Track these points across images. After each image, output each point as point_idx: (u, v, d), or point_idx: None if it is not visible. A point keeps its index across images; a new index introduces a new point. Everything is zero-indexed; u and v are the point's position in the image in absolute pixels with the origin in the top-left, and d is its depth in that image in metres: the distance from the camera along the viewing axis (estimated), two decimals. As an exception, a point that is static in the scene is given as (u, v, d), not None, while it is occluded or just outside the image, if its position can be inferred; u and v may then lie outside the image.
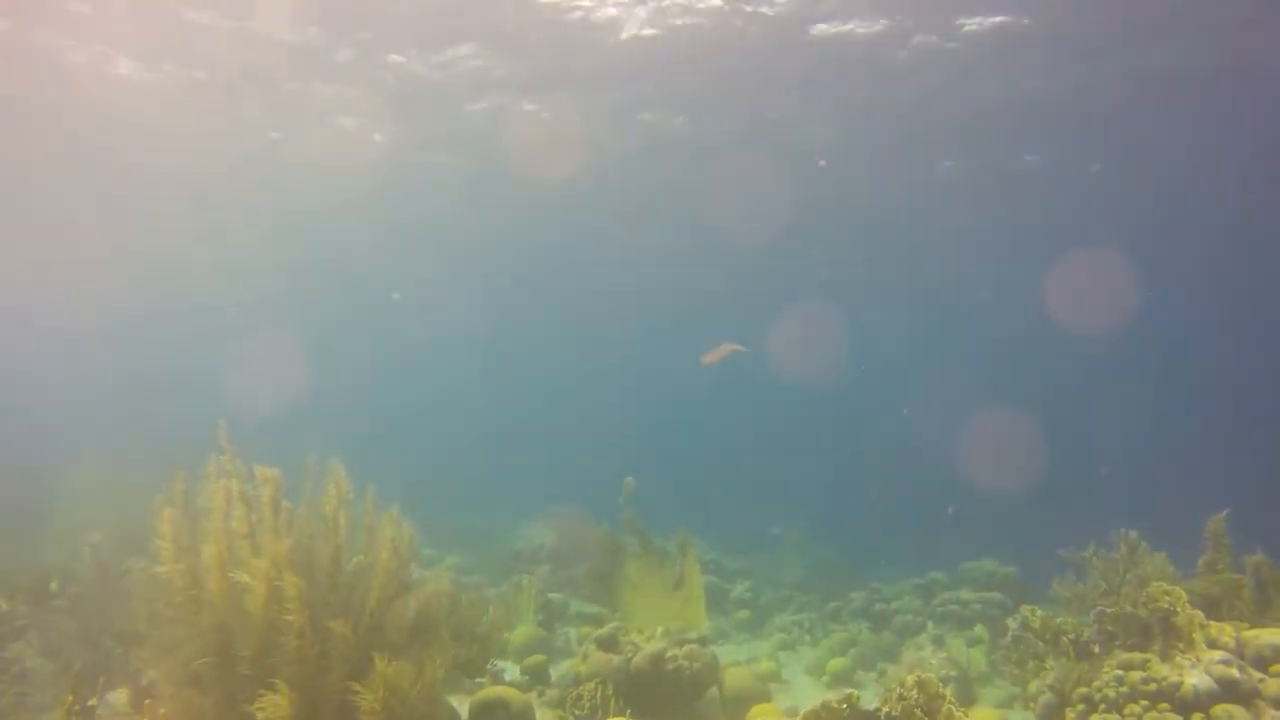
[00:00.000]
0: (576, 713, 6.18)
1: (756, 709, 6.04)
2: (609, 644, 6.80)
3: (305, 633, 4.29)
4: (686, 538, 7.98)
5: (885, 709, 4.21)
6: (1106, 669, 5.09)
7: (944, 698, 4.15)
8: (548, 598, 10.12)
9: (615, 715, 5.95)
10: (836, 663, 8.37)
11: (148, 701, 4.46)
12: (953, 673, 6.77)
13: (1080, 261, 20.67)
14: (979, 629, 9.96)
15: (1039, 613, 5.93)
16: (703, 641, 6.90)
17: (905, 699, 4.18)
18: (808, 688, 8.11)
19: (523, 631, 9.01)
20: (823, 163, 16.49)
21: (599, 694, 6.18)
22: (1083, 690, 5.09)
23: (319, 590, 4.71)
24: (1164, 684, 4.76)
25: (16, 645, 5.44)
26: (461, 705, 6.04)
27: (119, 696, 5.22)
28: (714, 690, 6.54)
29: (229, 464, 4.69)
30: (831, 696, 4.23)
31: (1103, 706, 4.87)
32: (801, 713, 4.30)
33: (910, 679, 4.27)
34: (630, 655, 6.54)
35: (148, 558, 4.79)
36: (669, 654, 6.59)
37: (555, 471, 27.62)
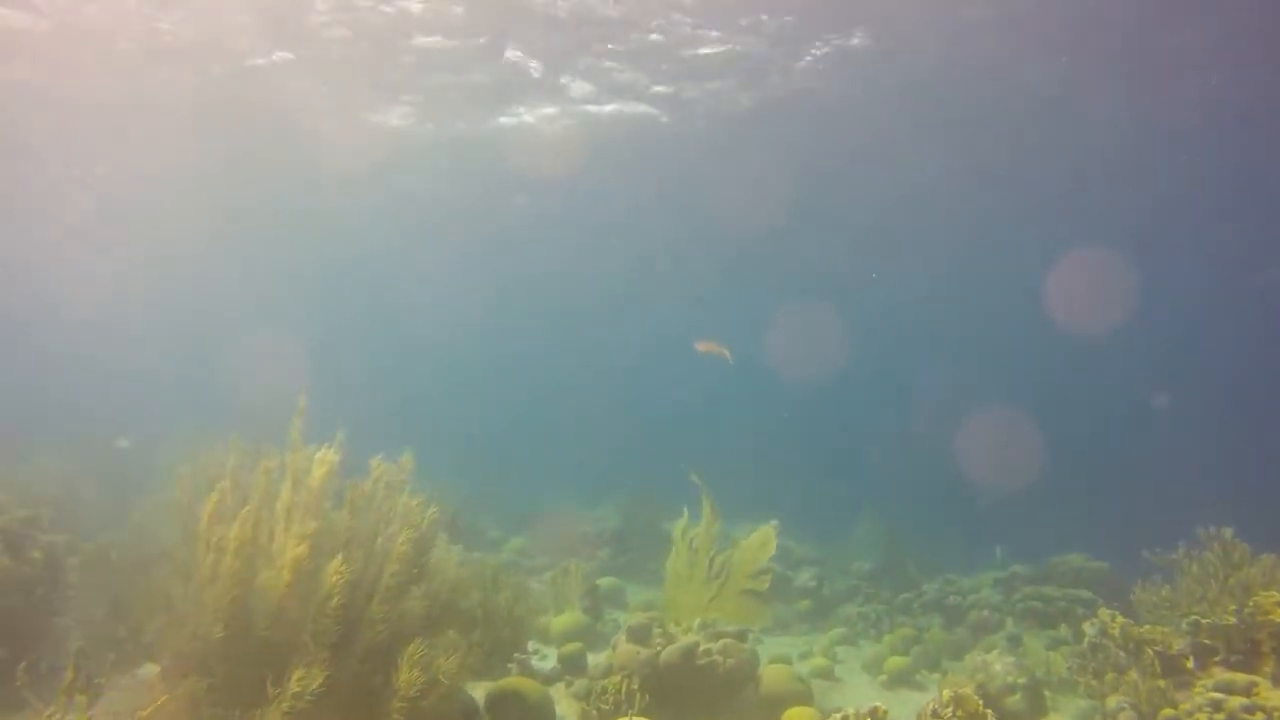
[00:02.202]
0: (601, 706, 5.86)
1: (792, 713, 5.55)
2: (641, 635, 6.45)
3: (336, 614, 4.10)
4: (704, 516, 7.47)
5: (916, 727, 3.68)
6: (1199, 689, 4.35)
7: (984, 717, 3.57)
8: (594, 583, 9.86)
9: (640, 712, 5.59)
10: (895, 661, 7.73)
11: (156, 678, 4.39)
12: (1021, 679, 6.06)
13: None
14: (1063, 629, 9.08)
15: (1119, 619, 5.19)
16: (741, 636, 6.46)
17: (940, 717, 3.63)
18: (862, 687, 7.53)
19: (566, 618, 8.78)
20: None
21: (624, 688, 5.83)
22: (1169, 713, 4.37)
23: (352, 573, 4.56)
24: (1275, 715, 3.99)
25: (63, 618, 5.57)
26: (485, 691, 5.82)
27: (149, 671, 5.23)
28: (751, 688, 6.08)
29: (296, 439, 4.59)
30: (852, 711, 3.72)
31: (1191, 733, 4.16)
32: (821, 726, 3.81)
33: (947, 694, 3.71)
34: (660, 648, 6.16)
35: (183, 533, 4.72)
36: (702, 648, 6.18)
37: (627, 455, 27.49)
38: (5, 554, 5.25)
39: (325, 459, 4.18)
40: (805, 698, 5.99)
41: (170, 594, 4.34)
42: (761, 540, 6.75)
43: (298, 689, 3.62)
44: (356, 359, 44.41)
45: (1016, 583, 10.70)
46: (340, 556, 3.88)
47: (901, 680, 7.54)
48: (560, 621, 8.62)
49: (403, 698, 3.77)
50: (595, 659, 7.46)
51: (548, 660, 7.67)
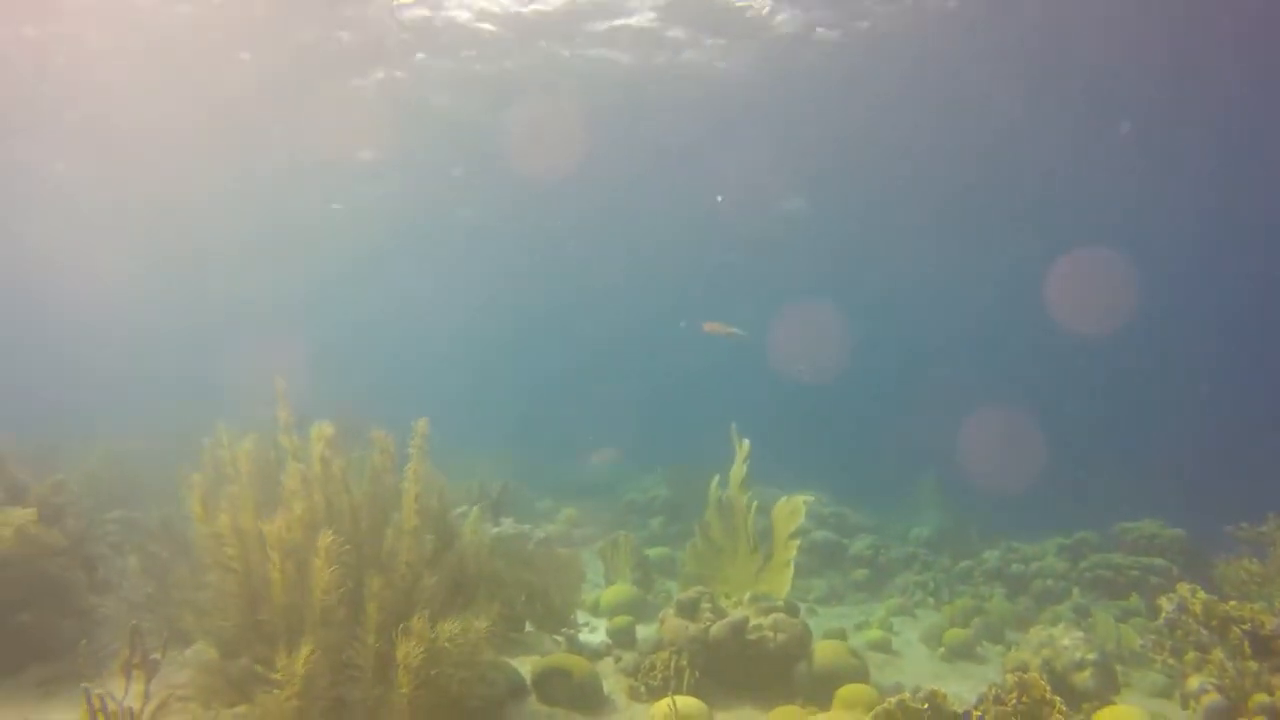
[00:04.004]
0: (649, 683, 5.79)
1: (846, 690, 5.37)
2: (689, 609, 6.32)
3: (331, 590, 4.11)
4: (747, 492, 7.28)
5: (977, 713, 3.44)
6: (1293, 671, 4.00)
7: (1053, 705, 3.32)
8: (644, 554, 9.79)
9: (689, 689, 5.48)
10: (955, 633, 7.45)
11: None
12: (1091, 655, 5.74)
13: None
14: (1134, 599, 8.65)
15: (1201, 594, 4.82)
16: (793, 610, 6.28)
17: (1003, 703, 3.39)
18: (920, 661, 7.29)
19: (616, 590, 8.74)
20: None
21: (672, 664, 5.74)
22: (1263, 699, 4.03)
23: (355, 549, 4.54)
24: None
25: (110, 599, 5.73)
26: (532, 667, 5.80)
27: (203, 651, 5.35)
28: (803, 665, 5.92)
29: (284, 419, 4.58)
30: (909, 694, 3.51)
31: (1287, 721, 3.83)
32: (875, 710, 3.62)
33: (1010, 678, 3.46)
34: (709, 624, 6.03)
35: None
36: (752, 623, 6.03)
37: (675, 424, 27.33)
38: (38, 522, 5.39)
39: (322, 433, 4.11)
40: (860, 674, 5.80)
41: (192, 579, 4.39)
42: (791, 509, 6.54)
43: (290, 669, 3.61)
44: (410, 345, 45.20)
45: (1083, 549, 10.25)
46: (327, 533, 3.82)
47: (962, 653, 7.28)
48: (610, 594, 8.58)
49: (406, 668, 3.72)
50: (645, 631, 7.39)
51: (597, 633, 7.63)
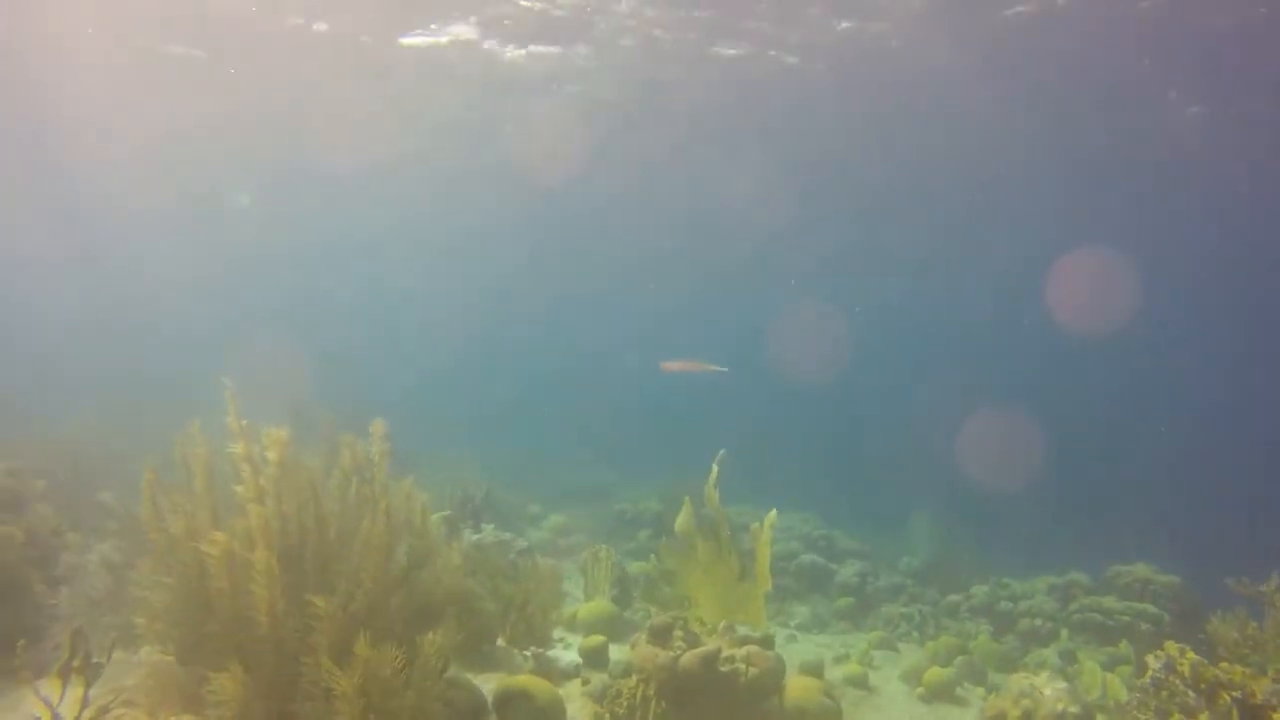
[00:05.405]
0: (615, 710, 5.59)
1: (816, 731, 5.17)
2: (662, 635, 6.13)
3: (275, 610, 3.94)
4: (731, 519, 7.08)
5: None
6: (1282, 746, 3.80)
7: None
8: (625, 570, 9.60)
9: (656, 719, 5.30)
10: (936, 673, 7.24)
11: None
12: (1073, 708, 5.53)
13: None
14: (1124, 646, 8.42)
15: (1190, 655, 4.62)
16: (767, 643, 6.09)
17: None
18: (898, 700, 7.07)
19: (593, 606, 8.55)
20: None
21: (640, 693, 5.55)
22: (1244, 770, 3.83)
23: (306, 564, 4.37)
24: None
25: (66, 592, 5.57)
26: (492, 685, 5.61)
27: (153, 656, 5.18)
28: (775, 700, 5.72)
29: (235, 425, 4.41)
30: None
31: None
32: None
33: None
34: (680, 652, 5.84)
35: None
36: (724, 654, 5.83)
37: (671, 435, 27.09)
38: None
39: (277, 438, 3.93)
40: (833, 714, 5.60)
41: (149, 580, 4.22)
42: (769, 536, 6.37)
43: (220, 693, 3.44)
44: (416, 345, 45.03)
45: (1074, 591, 10.02)
46: (265, 552, 3.64)
47: (941, 694, 7.06)
48: (587, 610, 8.40)
49: (345, 699, 3.54)
50: (620, 652, 7.20)
51: (571, 649, 7.45)
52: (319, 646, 3.98)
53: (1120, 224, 19.21)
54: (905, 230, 22.08)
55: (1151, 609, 8.71)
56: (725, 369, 7.59)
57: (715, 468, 6.66)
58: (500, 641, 6.84)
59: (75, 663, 4.43)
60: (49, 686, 4.34)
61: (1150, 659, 4.84)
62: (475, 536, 9.44)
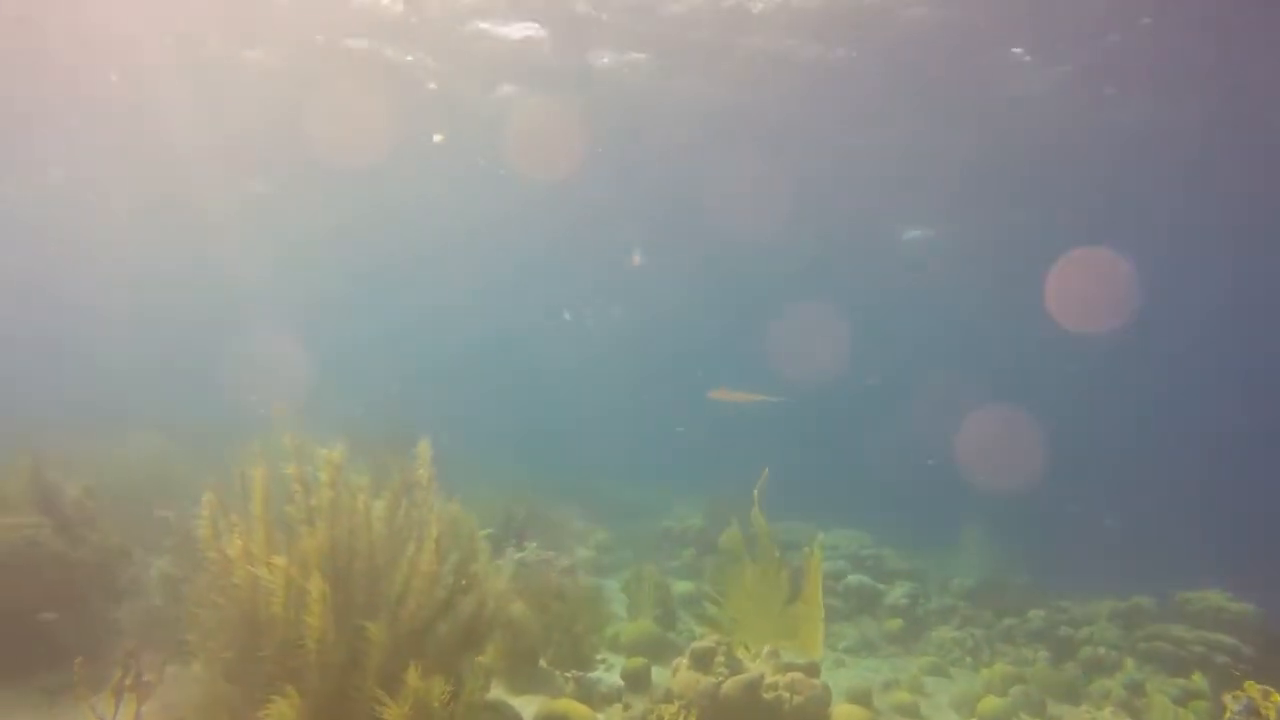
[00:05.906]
0: (655, 737, 5.51)
1: (864, 765, 5.00)
2: (703, 660, 6.03)
3: (326, 635, 3.98)
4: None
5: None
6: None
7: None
8: (668, 589, 9.50)
9: (697, 747, 5.19)
10: (991, 702, 6.96)
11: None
12: (1141, 748, 5.25)
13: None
14: (1198, 679, 7.97)
15: (1276, 697, 4.32)
16: (812, 670, 5.93)
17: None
18: (950, 731, 6.82)
19: (636, 627, 8.49)
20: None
21: (680, 720, 5.45)
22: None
23: (354, 586, 4.41)
24: None
25: (127, 607, 5.74)
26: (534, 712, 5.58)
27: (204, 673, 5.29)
28: (820, 730, 5.56)
29: (291, 444, 4.48)
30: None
31: None
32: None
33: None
34: (722, 678, 5.73)
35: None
36: (768, 681, 5.70)
37: (722, 452, 26.88)
38: (62, 528, 5.41)
39: (331, 459, 3.97)
40: (881, 747, 5.41)
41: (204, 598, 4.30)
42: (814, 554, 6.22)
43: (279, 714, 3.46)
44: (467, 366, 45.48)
45: (1139, 617, 9.57)
46: (319, 579, 3.66)
47: (997, 726, 6.78)
48: (630, 631, 8.33)
49: None
50: (662, 674, 7.11)
51: (614, 671, 7.37)
52: (368, 671, 4.01)
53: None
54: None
55: (1228, 640, 8.23)
56: (781, 398, 7.27)
57: (756, 494, 6.54)
58: (542, 663, 6.82)
59: (128, 681, 4.57)
60: (105, 703, 4.48)
61: (1228, 699, 4.54)
62: (518, 555, 9.46)
